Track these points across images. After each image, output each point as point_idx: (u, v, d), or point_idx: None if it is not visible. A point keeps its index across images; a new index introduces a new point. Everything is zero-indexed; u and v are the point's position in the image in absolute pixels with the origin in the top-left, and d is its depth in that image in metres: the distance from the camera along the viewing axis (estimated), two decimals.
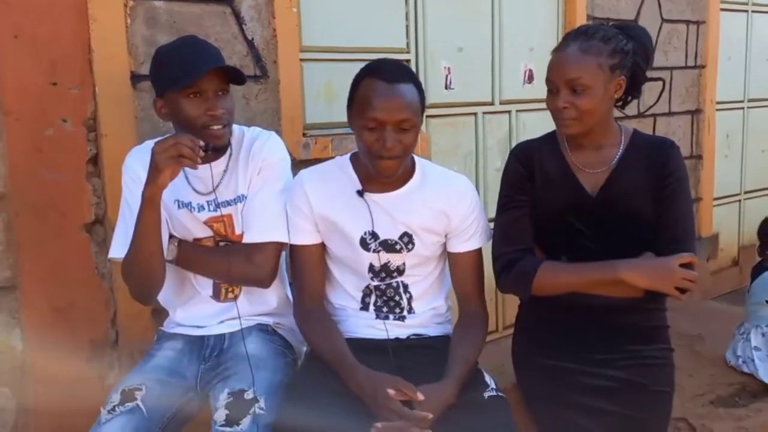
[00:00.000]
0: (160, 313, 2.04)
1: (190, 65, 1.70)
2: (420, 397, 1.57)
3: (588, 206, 1.82)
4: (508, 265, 1.82)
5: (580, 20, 3.36)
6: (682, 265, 1.68)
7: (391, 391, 1.58)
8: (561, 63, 1.74)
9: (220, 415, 1.62)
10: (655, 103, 2.27)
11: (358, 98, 1.71)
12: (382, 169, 1.70)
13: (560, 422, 1.81)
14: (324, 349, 1.76)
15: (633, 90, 1.83)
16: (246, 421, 1.60)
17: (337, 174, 1.84)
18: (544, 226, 1.86)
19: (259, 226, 1.81)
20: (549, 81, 1.78)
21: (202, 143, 1.61)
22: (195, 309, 1.91)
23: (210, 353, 1.86)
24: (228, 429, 1.59)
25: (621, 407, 1.77)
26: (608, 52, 1.72)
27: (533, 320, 1.94)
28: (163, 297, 1.89)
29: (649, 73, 1.88)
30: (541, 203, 1.85)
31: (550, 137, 1.92)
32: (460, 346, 1.76)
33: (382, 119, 1.65)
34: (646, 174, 1.81)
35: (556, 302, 1.79)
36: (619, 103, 1.86)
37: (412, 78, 1.73)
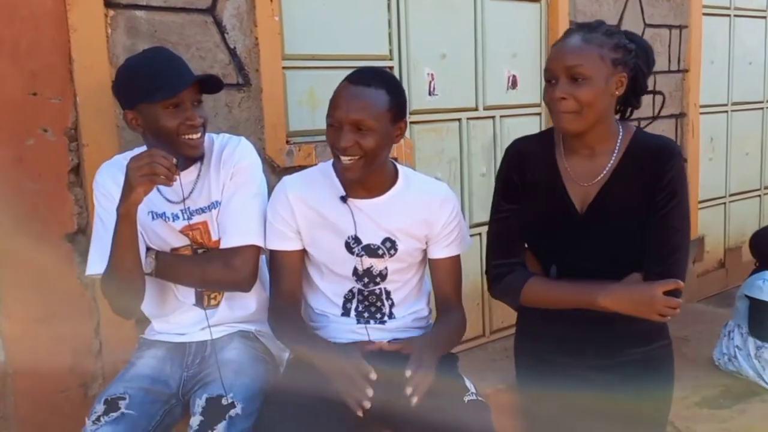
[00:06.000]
0: (144, 323, 2.03)
1: (171, 77, 1.73)
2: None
3: (575, 222, 1.77)
4: (497, 278, 1.81)
5: (563, 26, 3.38)
6: (668, 291, 1.62)
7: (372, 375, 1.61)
8: (561, 51, 1.67)
9: (196, 420, 1.64)
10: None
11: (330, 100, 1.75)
12: (341, 168, 1.73)
13: (560, 424, 1.79)
14: (294, 341, 1.79)
15: (633, 98, 1.77)
16: (221, 427, 1.60)
17: (320, 180, 1.86)
18: (532, 234, 1.83)
19: (236, 230, 1.82)
20: (547, 71, 1.70)
21: (174, 160, 1.61)
22: (179, 318, 1.92)
23: (192, 360, 1.87)
24: None
25: (621, 404, 1.75)
26: (611, 45, 1.66)
27: (531, 325, 1.89)
28: (146, 309, 1.90)
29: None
30: (529, 211, 1.81)
31: (547, 138, 1.85)
32: (441, 323, 1.85)
33: (339, 117, 1.69)
34: (640, 186, 1.71)
35: (552, 310, 1.76)
36: (619, 113, 1.79)
37: (386, 84, 1.73)
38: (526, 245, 1.85)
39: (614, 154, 1.75)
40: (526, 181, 1.81)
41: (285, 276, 1.85)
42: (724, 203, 4.57)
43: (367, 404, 1.56)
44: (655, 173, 1.70)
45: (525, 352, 1.92)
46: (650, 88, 1.84)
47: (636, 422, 1.78)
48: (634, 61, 1.71)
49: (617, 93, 1.70)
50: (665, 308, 1.62)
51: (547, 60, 1.74)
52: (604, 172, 1.75)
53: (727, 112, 4.52)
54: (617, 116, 1.80)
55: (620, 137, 1.76)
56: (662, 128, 4.02)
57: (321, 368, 1.65)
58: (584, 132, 1.71)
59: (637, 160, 1.73)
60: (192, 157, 1.80)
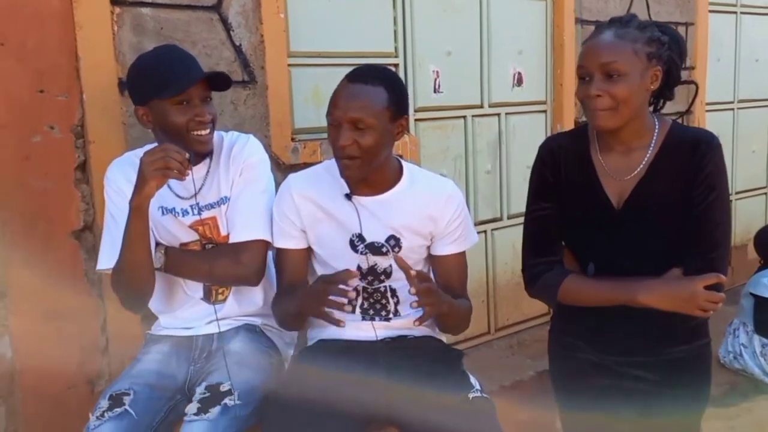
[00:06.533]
0: (150, 320, 2.04)
1: (179, 75, 1.76)
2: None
3: (612, 218, 1.74)
4: (534, 277, 1.80)
5: (569, 23, 3.38)
6: (709, 286, 1.60)
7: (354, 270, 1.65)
8: (595, 48, 1.65)
9: (192, 407, 1.65)
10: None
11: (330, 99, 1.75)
12: (341, 168, 1.72)
13: (589, 417, 1.78)
14: (284, 305, 1.81)
15: (667, 90, 1.75)
16: (215, 411, 1.62)
17: (325, 177, 1.85)
18: (569, 232, 1.81)
19: (244, 226, 1.84)
20: (581, 68, 1.68)
21: (187, 155, 1.63)
22: (186, 312, 1.93)
23: (199, 354, 1.88)
24: (195, 417, 1.62)
25: (655, 403, 1.75)
26: (645, 39, 1.64)
27: (568, 322, 1.87)
28: (154, 305, 1.91)
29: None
30: (565, 209, 1.79)
31: (581, 134, 1.82)
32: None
33: (337, 116, 1.68)
34: (677, 180, 1.69)
35: (591, 308, 1.74)
36: (652, 105, 1.76)
37: (385, 82, 1.71)
38: (563, 243, 1.83)
39: (650, 149, 1.72)
40: (560, 178, 1.79)
41: (290, 274, 1.85)
42: (730, 201, 4.56)
43: (355, 272, 1.62)
44: (692, 167, 1.68)
45: (560, 350, 1.91)
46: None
47: (674, 420, 1.76)
48: (668, 53, 1.69)
49: (652, 87, 1.68)
50: (707, 303, 1.60)
51: (579, 56, 1.71)
52: (641, 166, 1.72)
53: (733, 109, 4.51)
54: (650, 108, 1.77)
55: (656, 131, 1.73)
56: None
57: (300, 308, 1.72)
58: (620, 128, 1.69)
59: (674, 154, 1.70)
60: (201, 152, 1.82)
